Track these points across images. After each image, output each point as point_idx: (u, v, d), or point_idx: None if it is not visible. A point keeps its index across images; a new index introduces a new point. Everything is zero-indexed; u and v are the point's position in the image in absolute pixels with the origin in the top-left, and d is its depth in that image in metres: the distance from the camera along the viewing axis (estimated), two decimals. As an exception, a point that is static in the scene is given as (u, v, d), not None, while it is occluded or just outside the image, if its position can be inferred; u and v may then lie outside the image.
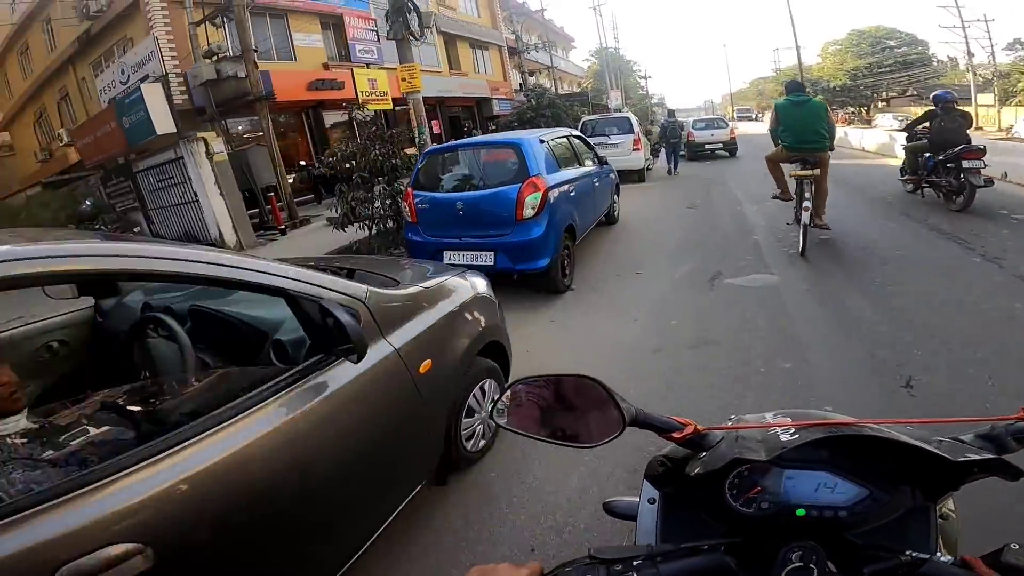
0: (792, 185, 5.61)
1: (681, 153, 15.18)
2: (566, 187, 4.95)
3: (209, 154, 8.11)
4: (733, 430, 0.73)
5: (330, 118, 15.70)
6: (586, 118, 12.01)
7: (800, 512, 0.64)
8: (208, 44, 9.67)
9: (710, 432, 0.72)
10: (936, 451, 0.57)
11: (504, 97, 23.63)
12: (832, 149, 5.29)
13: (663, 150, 14.90)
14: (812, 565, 0.58)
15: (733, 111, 49.30)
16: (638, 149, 11.61)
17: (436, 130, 20.95)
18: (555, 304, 4.60)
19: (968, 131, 6.04)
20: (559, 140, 5.54)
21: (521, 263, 4.48)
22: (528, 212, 4.36)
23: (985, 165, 5.80)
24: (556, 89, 25.55)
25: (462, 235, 4.67)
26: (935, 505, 0.67)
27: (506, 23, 25.53)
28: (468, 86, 21.54)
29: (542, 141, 4.88)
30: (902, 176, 7.26)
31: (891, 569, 0.57)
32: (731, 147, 16.56)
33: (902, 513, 0.65)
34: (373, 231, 6.30)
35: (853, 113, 38.17)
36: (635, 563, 0.59)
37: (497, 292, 2.66)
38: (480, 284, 2.48)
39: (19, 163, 20.49)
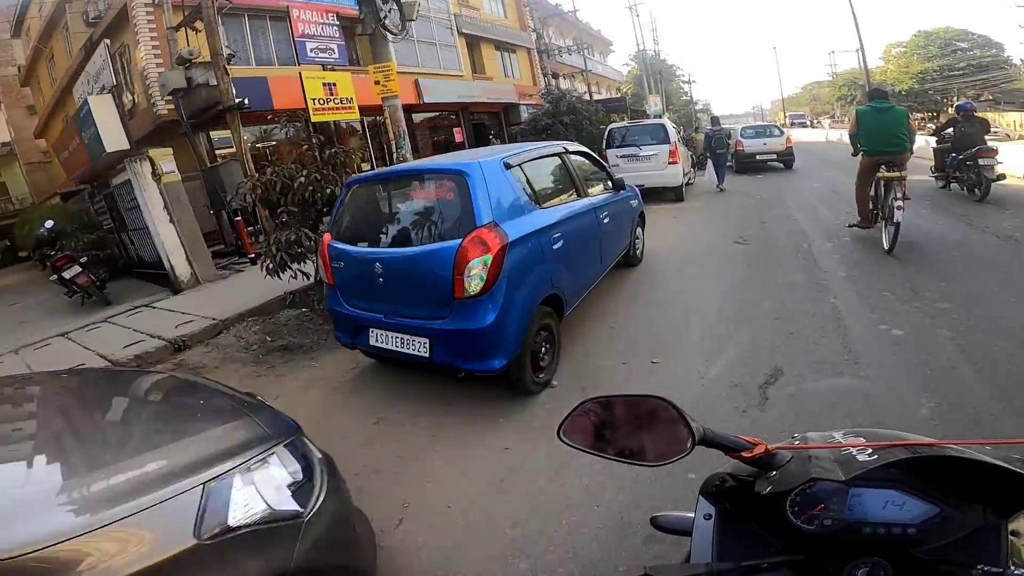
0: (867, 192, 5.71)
1: (728, 164, 13.18)
2: (546, 237, 3.27)
3: (156, 175, 7.03)
4: (803, 449, 0.72)
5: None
6: (613, 126, 10.27)
7: (866, 530, 0.63)
8: (180, 49, 8.54)
9: (779, 452, 0.71)
10: (1017, 469, 0.56)
11: (533, 103, 22.11)
12: (912, 152, 5.34)
13: (708, 161, 12.96)
14: None
15: (786, 117, 45.91)
16: (675, 162, 9.73)
17: (459, 138, 19.67)
18: (518, 413, 2.97)
19: (985, 135, 7.22)
20: (542, 161, 3.84)
21: (467, 361, 2.87)
22: (472, 286, 2.73)
23: (999, 163, 6.79)
24: (591, 95, 23.76)
25: (388, 311, 3.10)
26: (1007, 522, 0.64)
27: (537, 24, 24.00)
28: (493, 91, 20.13)
29: (507, 166, 3.22)
30: (933, 173, 8.30)
31: None
32: (787, 158, 14.32)
33: (972, 530, 0.64)
34: (312, 279, 4.83)
35: (923, 119, 34.70)
36: None
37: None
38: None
39: (56, 169, 20.69)
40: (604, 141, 10.26)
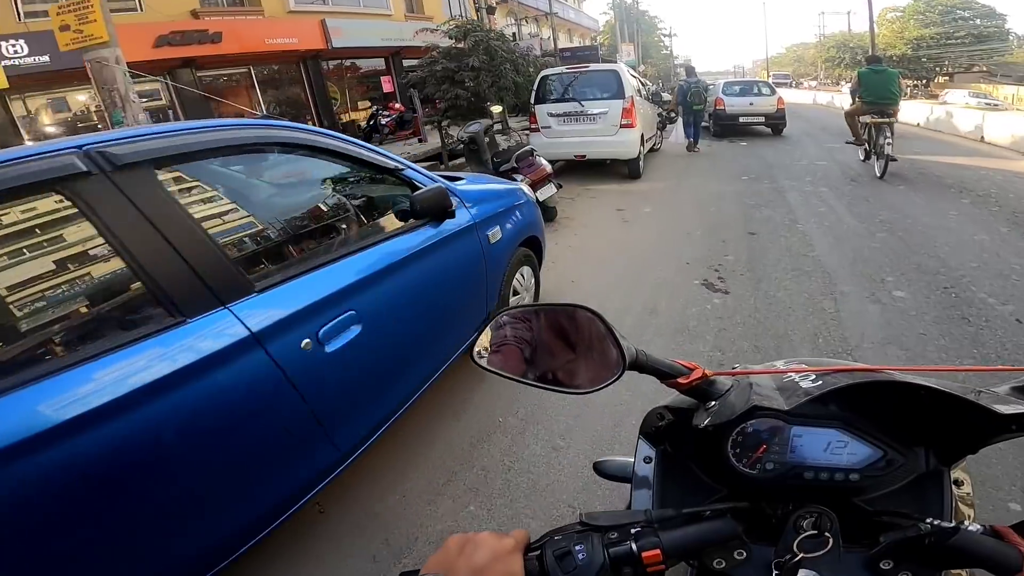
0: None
1: (704, 124, 10.66)
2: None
3: None
4: (745, 376, 0.67)
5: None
6: (547, 73, 7.41)
7: (808, 475, 0.59)
8: None
9: (719, 379, 0.66)
10: (978, 401, 0.51)
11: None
12: (899, 106, 6.84)
13: (680, 119, 10.28)
14: (827, 533, 0.55)
15: (769, 76, 43.15)
16: (631, 125, 6.97)
17: (387, 88, 16.44)
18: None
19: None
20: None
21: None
22: None
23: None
24: (556, 43, 20.35)
25: None
26: (949, 470, 0.62)
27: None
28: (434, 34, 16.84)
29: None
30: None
31: (912, 539, 0.53)
32: (777, 122, 11.65)
33: (915, 479, 0.61)
34: None
35: (915, 87, 32.59)
36: (633, 530, 0.53)
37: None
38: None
39: None
40: (533, 93, 7.41)
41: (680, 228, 5.21)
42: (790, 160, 8.57)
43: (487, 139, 5.90)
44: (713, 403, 0.64)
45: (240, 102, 12.82)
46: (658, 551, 0.51)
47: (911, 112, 13.21)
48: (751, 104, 11.62)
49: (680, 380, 0.63)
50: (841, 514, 0.56)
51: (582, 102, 7.02)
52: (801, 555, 0.54)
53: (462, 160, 7.20)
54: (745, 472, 0.60)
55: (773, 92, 11.82)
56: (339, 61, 14.92)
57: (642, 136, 7.39)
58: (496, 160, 5.45)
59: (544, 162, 5.38)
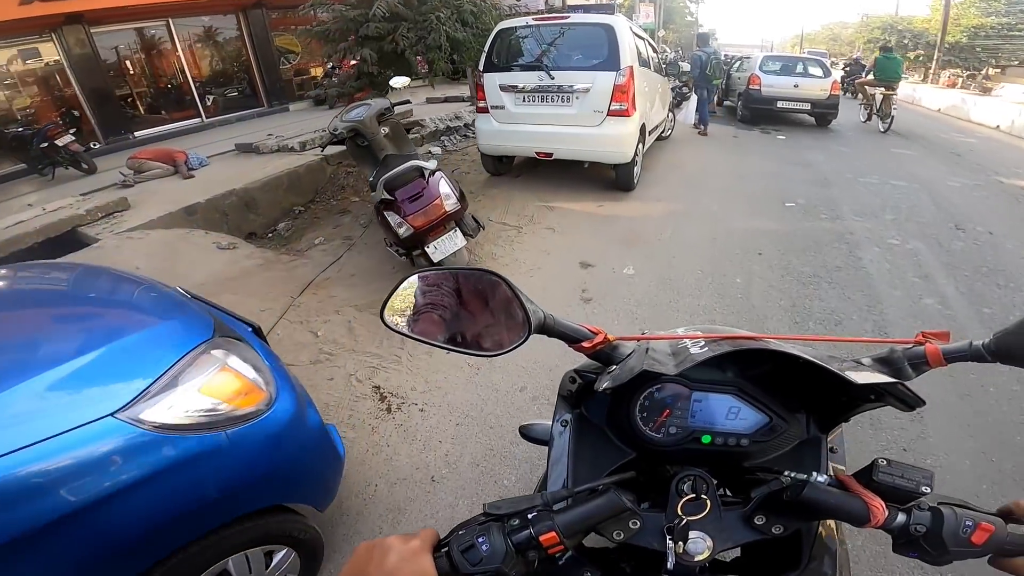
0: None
1: (727, 103, 9.57)
2: None
3: None
4: (645, 341, 0.69)
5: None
6: (505, 26, 4.81)
7: (706, 439, 0.63)
8: None
9: (621, 343, 0.69)
10: (839, 372, 0.54)
11: None
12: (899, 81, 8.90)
13: (692, 95, 8.11)
14: (704, 495, 0.58)
15: (802, 53, 39.42)
16: (624, 112, 4.45)
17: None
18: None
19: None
20: None
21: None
22: None
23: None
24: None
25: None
26: (827, 437, 0.66)
27: None
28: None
29: None
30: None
31: (775, 492, 0.56)
32: (826, 111, 8.95)
33: (796, 445, 0.65)
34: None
35: (969, 77, 29.30)
36: (530, 515, 0.55)
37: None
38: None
39: None
40: (484, 56, 4.86)
41: (678, 321, 2.82)
42: (851, 172, 6.03)
43: (386, 129, 3.46)
44: (614, 367, 0.66)
45: (163, 64, 10.20)
46: (553, 533, 0.53)
47: (982, 111, 10.66)
48: (796, 86, 8.91)
49: (584, 344, 0.66)
50: (728, 476, 0.62)
51: (552, 71, 4.48)
52: (687, 518, 0.57)
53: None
54: (650, 436, 0.64)
55: (827, 73, 9.09)
56: (289, 9, 12.11)
57: (643, 128, 4.86)
58: (380, 172, 3.05)
59: (445, 187, 2.91)
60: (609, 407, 0.69)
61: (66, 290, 1.79)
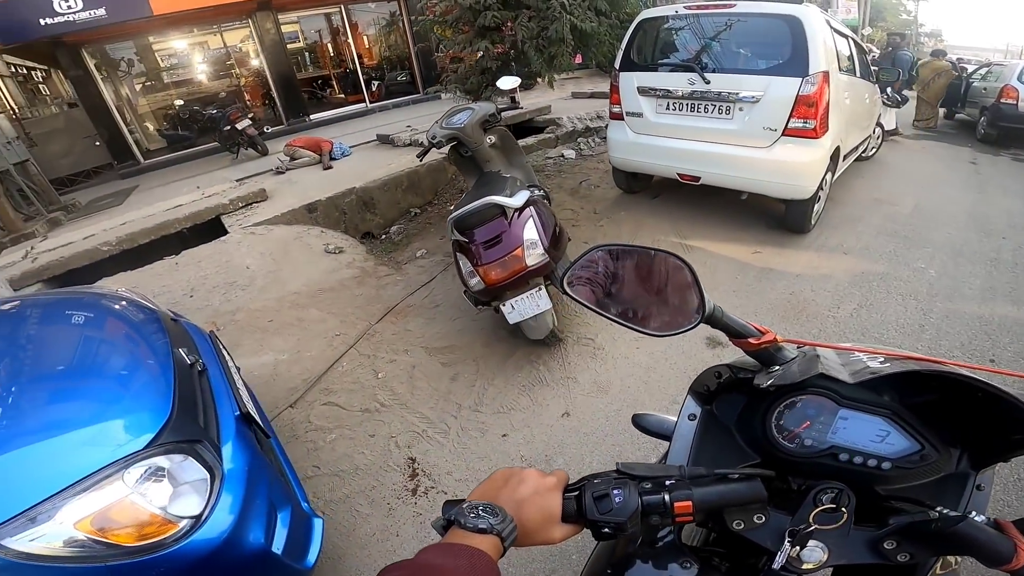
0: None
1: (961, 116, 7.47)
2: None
3: None
4: (812, 347, 0.69)
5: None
6: (651, 15, 3.84)
7: (843, 457, 0.62)
8: None
9: (786, 347, 0.69)
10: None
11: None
12: None
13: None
14: (844, 509, 0.58)
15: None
16: (812, 133, 3.31)
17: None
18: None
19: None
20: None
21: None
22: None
23: None
24: None
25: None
26: (977, 474, 0.63)
27: None
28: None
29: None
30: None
31: (918, 524, 0.56)
32: None
33: (940, 477, 0.63)
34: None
35: None
36: (667, 483, 0.57)
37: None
38: None
39: None
40: (621, 51, 4.05)
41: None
42: None
43: (492, 138, 2.99)
44: (777, 367, 0.66)
45: (336, 50, 11.10)
46: (689, 503, 0.55)
47: None
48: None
49: (751, 340, 0.66)
50: (860, 497, 0.59)
51: (708, 72, 3.52)
52: (815, 526, 0.57)
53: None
54: (782, 444, 0.65)
55: None
56: None
57: (835, 152, 3.65)
58: (466, 198, 2.57)
59: (532, 233, 2.28)
60: (742, 409, 0.71)
61: (28, 347, 1.64)
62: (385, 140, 6.75)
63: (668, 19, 3.87)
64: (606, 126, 6.41)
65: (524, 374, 2.66)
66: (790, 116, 3.31)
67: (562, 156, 5.82)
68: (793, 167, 3.41)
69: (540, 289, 2.33)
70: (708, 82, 3.50)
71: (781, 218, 3.85)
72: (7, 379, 1.45)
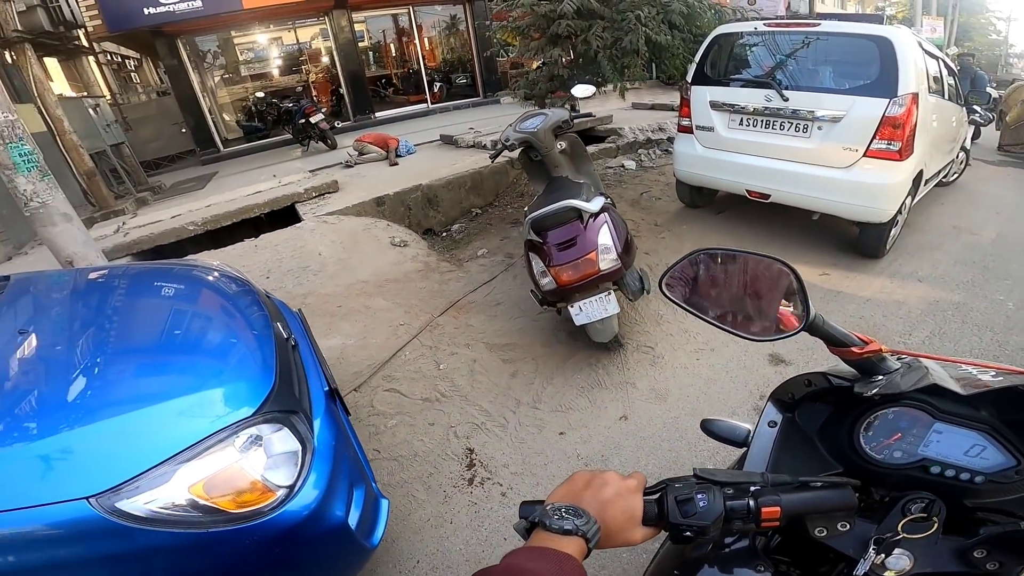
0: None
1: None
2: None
3: None
4: (916, 359, 0.69)
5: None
6: (726, 30, 3.84)
7: (934, 470, 0.62)
8: None
9: (889, 357, 0.68)
10: None
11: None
12: None
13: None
14: (935, 518, 0.58)
15: None
16: (896, 155, 3.19)
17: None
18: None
19: None
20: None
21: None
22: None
23: None
24: (811, 5, 14.01)
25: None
26: None
27: None
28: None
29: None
30: None
31: (1011, 534, 0.57)
32: None
33: None
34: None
35: None
36: (752, 488, 0.57)
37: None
38: None
39: None
40: (694, 65, 4.03)
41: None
42: None
43: (563, 144, 3.06)
44: (880, 377, 0.66)
45: (403, 50, 11.49)
46: (777, 509, 0.55)
47: None
48: None
49: (854, 349, 0.66)
50: (950, 509, 0.60)
51: (785, 90, 3.46)
52: (902, 535, 0.58)
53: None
54: (871, 455, 0.65)
55: None
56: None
57: (918, 176, 3.51)
58: (539, 202, 2.65)
59: (607, 238, 2.35)
60: (827, 419, 0.71)
61: (138, 314, 1.75)
62: (448, 141, 6.95)
63: (745, 35, 3.84)
64: (668, 138, 6.40)
65: (583, 376, 2.71)
66: (874, 137, 3.21)
67: (622, 166, 5.82)
68: (873, 189, 3.30)
69: (609, 294, 2.37)
70: (787, 99, 3.44)
71: (853, 241, 3.73)
72: (119, 344, 1.55)
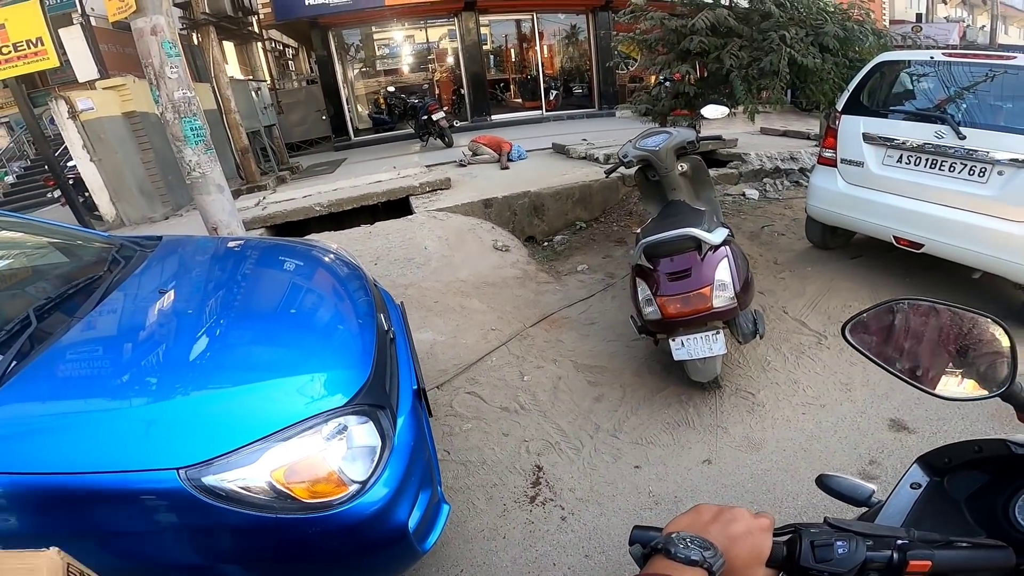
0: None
1: None
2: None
3: (73, 113, 5.76)
4: None
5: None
6: (891, 58, 3.34)
7: None
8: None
9: None
10: None
11: None
12: None
13: None
14: None
15: None
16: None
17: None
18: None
19: None
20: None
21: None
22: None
23: None
24: (992, 37, 11.81)
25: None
26: None
27: None
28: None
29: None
30: None
31: None
32: None
33: None
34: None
35: None
36: (898, 542, 0.55)
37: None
38: None
39: None
40: (847, 92, 3.54)
41: None
42: None
43: (684, 167, 2.90)
44: None
45: (524, 56, 11.70)
46: (928, 563, 0.53)
47: None
48: None
49: None
50: None
51: (962, 127, 2.96)
52: None
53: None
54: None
55: None
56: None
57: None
58: (652, 226, 2.51)
59: (724, 274, 2.15)
60: (980, 487, 0.68)
61: (261, 285, 1.86)
62: (560, 150, 6.94)
63: (914, 64, 3.36)
64: (799, 169, 5.84)
65: (671, 412, 2.53)
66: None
67: (743, 195, 5.41)
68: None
69: (718, 332, 2.18)
70: (963, 137, 2.96)
71: (1018, 310, 3.11)
72: (241, 311, 1.61)
